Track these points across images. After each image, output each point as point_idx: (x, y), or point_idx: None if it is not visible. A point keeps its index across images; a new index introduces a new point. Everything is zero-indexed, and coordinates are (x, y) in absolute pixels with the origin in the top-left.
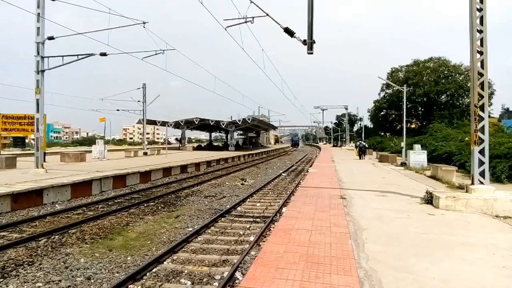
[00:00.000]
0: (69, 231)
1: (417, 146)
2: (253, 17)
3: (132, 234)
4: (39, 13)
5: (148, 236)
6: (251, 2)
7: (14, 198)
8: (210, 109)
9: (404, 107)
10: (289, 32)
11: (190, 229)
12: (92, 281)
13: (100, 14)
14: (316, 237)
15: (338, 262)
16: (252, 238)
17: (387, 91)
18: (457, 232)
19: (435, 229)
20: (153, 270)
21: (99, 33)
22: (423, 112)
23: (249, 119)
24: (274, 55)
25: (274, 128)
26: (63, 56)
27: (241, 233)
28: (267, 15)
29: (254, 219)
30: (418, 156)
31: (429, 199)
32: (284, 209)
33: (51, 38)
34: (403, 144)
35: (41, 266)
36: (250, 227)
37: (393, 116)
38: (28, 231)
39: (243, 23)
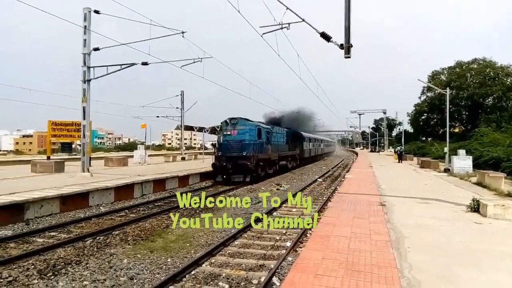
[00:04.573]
0: (113, 233)
1: (462, 152)
2: (289, 23)
3: (171, 237)
4: (85, 26)
5: (186, 239)
6: (287, 8)
7: (62, 200)
8: (246, 115)
9: (447, 110)
10: (325, 36)
11: (227, 232)
12: (135, 281)
13: (141, 25)
14: (355, 245)
15: (380, 271)
16: (288, 244)
17: (428, 94)
18: (506, 242)
19: (482, 238)
20: (192, 272)
21: (140, 43)
22: (468, 116)
23: None
24: (310, 60)
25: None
26: (107, 66)
27: (277, 238)
28: (303, 20)
29: None
30: (462, 162)
31: (476, 207)
32: (321, 215)
33: (96, 49)
34: (446, 149)
35: (87, 265)
36: (286, 232)
37: (435, 120)
38: (76, 232)
39: (278, 29)
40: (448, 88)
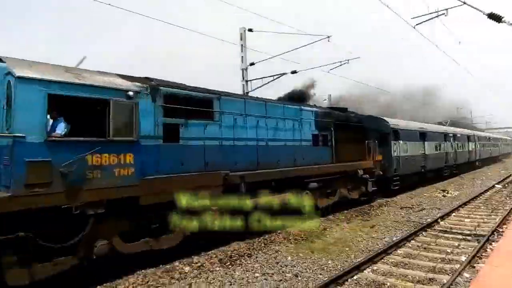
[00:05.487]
0: (276, 231)
1: None
2: (446, 9)
3: (330, 239)
4: (242, 44)
5: (345, 243)
6: None
7: None
8: (395, 113)
9: None
10: (494, 17)
11: (388, 240)
12: (299, 278)
13: (289, 36)
14: None
15: None
16: (463, 258)
17: None
18: None
19: None
20: (354, 277)
21: (288, 53)
22: None
23: (446, 122)
24: (471, 47)
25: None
26: (262, 78)
27: (448, 251)
28: (464, 3)
29: (464, 237)
30: None
31: None
32: (504, 228)
33: (252, 64)
34: None
35: (257, 259)
36: (459, 245)
37: None
38: None
39: (435, 17)
40: None
